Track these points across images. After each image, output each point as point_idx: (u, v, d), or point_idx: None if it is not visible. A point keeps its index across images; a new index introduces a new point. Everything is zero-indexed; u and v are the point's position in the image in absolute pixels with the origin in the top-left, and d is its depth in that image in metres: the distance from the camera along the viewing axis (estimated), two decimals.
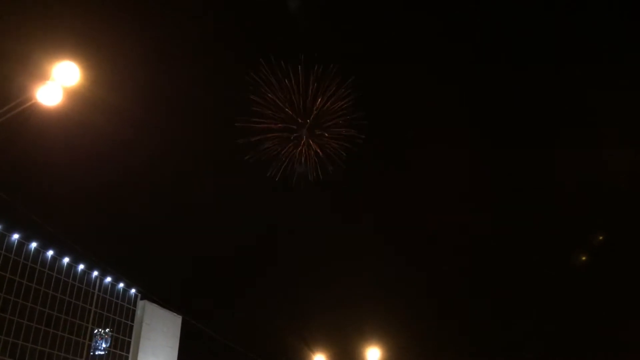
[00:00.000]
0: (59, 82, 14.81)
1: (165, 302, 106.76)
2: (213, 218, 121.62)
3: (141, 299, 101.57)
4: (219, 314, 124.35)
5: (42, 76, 14.85)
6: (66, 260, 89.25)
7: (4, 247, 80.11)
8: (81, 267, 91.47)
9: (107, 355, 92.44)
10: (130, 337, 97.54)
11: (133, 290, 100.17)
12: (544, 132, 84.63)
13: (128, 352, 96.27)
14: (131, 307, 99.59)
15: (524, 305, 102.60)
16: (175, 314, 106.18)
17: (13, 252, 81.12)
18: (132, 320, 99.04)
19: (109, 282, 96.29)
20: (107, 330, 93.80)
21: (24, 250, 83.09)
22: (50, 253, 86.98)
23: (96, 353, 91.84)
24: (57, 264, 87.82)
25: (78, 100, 16.00)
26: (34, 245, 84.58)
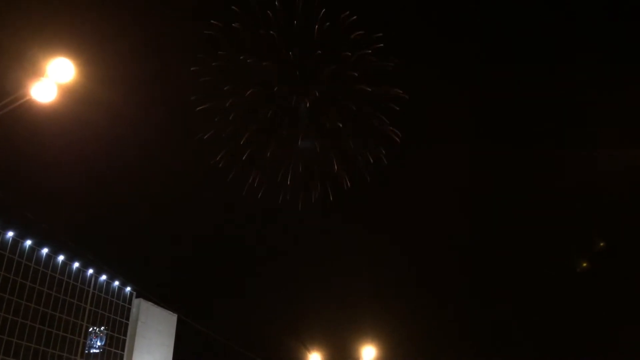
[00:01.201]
0: (53, 79, 14.70)
1: (161, 301, 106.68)
2: (210, 215, 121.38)
3: (136, 297, 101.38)
4: (215, 312, 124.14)
5: (36, 73, 14.74)
6: (61, 258, 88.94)
7: None
8: (76, 265, 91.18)
9: (102, 353, 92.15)
10: (125, 335, 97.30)
11: (128, 289, 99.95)
12: (544, 132, 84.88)
13: (123, 350, 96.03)
14: (126, 305, 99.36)
15: (523, 305, 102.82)
16: (170, 312, 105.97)
17: (7, 250, 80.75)
18: (128, 319, 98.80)
19: (104, 280, 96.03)
20: (102, 328, 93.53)
21: (19, 248, 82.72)
22: (45, 251, 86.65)
23: (91, 351, 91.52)
24: (52, 262, 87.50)
25: (72, 97, 15.89)
26: (28, 243, 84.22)
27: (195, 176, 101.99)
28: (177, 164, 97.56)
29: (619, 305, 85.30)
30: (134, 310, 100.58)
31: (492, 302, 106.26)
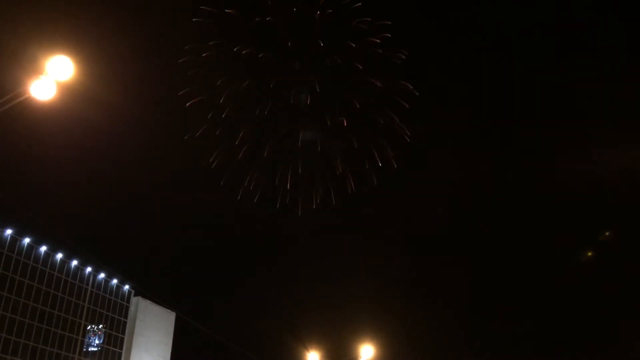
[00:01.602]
0: (52, 77, 14.69)
1: (160, 299, 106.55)
2: (208, 215, 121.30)
3: (135, 295, 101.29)
4: (213, 311, 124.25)
5: (35, 70, 14.73)
6: (59, 256, 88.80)
7: None
8: (75, 262, 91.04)
9: (100, 351, 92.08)
10: (123, 333, 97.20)
11: (127, 287, 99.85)
12: (544, 132, 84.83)
13: (121, 348, 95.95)
14: (125, 303, 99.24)
15: (522, 304, 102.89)
16: (169, 310, 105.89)
17: (6, 248, 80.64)
18: (126, 317, 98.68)
19: (103, 278, 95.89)
20: (100, 326, 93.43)
21: (17, 245, 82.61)
22: (43, 249, 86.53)
23: (89, 349, 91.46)
24: (50, 260, 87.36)
25: (72, 95, 15.89)
26: (27, 240, 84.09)
27: (195, 174, 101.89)
28: (177, 162, 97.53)
29: (618, 305, 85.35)
30: (132, 308, 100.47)
31: (491, 303, 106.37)
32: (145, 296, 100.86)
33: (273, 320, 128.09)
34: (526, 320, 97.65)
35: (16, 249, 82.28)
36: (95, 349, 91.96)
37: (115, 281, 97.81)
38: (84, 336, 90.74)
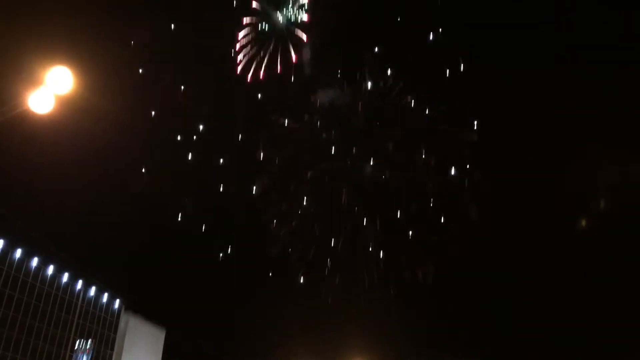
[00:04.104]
0: (51, 89, 14.70)
1: (150, 315, 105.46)
2: (205, 231, 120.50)
3: (125, 310, 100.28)
4: (203, 328, 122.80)
5: (34, 82, 14.76)
6: (50, 269, 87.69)
7: None
8: (65, 277, 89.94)
9: None
10: (112, 349, 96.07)
11: (117, 302, 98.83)
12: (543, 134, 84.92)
13: None
14: (115, 319, 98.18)
15: (515, 319, 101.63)
16: (159, 327, 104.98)
17: None
18: (115, 333, 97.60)
19: (93, 293, 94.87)
20: (89, 342, 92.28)
21: (8, 258, 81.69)
22: (34, 262, 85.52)
23: None
24: (40, 274, 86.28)
25: (70, 107, 15.92)
26: (18, 253, 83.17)
27: (194, 186, 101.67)
28: (175, 173, 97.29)
29: (616, 308, 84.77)
30: (122, 324, 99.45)
31: (482, 317, 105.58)
32: (135, 312, 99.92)
33: (264, 337, 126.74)
34: (521, 337, 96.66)
35: (7, 261, 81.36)
36: None
37: (106, 296, 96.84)
38: (72, 352, 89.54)
